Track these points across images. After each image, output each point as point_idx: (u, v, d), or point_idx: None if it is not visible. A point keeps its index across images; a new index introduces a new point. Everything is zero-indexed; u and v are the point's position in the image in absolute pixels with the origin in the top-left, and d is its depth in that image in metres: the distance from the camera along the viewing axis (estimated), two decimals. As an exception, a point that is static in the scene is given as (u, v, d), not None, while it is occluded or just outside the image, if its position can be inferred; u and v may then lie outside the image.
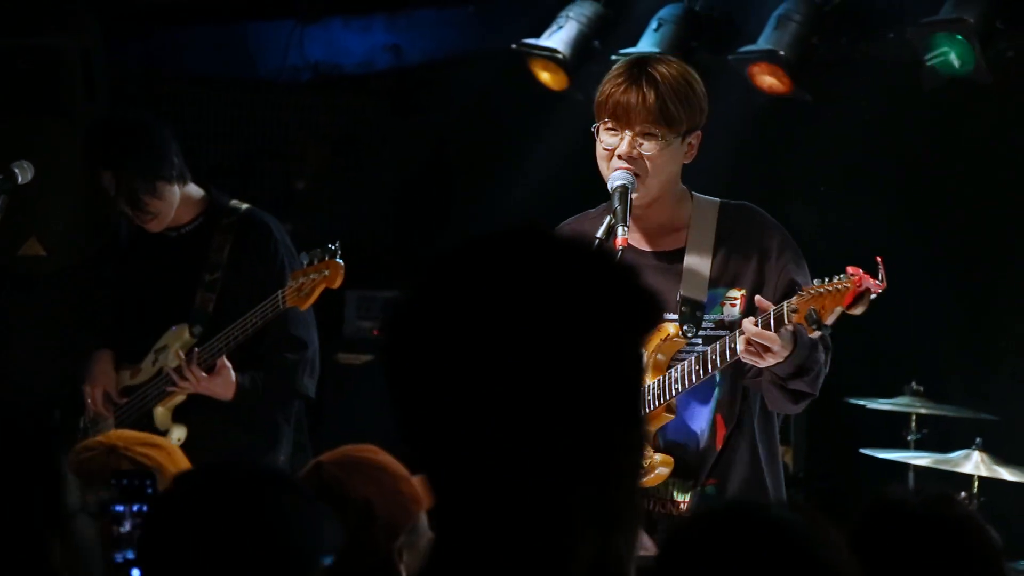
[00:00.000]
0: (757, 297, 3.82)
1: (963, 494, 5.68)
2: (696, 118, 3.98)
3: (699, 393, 4.01)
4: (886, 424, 6.37)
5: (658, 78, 3.92)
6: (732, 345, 3.81)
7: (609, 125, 3.94)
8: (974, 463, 5.56)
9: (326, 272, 4.97)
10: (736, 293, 3.98)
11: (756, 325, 3.74)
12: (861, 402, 6.24)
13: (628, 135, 3.91)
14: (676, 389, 3.92)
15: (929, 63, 6.16)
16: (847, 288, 3.70)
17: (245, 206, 5.37)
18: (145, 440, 3.52)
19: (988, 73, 6.10)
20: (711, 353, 3.87)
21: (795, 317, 3.71)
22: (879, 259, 3.74)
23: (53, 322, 6.60)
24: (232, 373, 5.12)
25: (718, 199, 4.10)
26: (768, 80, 6.56)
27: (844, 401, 6.32)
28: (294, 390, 5.29)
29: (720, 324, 3.97)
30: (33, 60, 6.86)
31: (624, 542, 1.73)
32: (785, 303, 3.74)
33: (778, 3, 6.58)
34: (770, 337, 3.72)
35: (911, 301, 6.80)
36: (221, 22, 7.95)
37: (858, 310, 3.74)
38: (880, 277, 3.74)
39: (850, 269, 3.72)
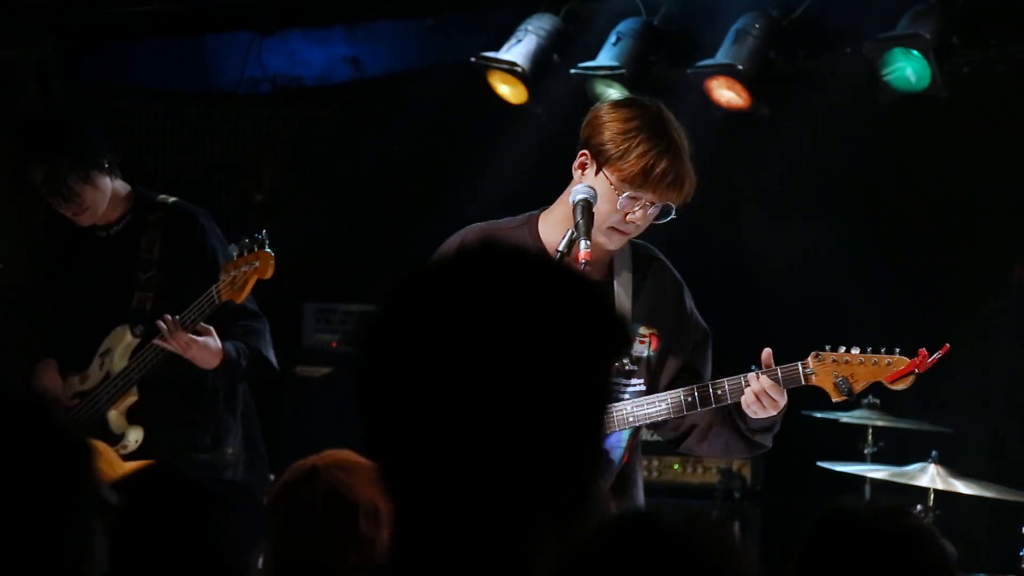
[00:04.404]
0: (767, 352, 3.95)
1: (919, 507, 5.71)
2: None
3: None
4: (843, 437, 6.39)
5: (686, 149, 3.99)
6: (743, 385, 3.94)
7: (634, 191, 3.92)
8: (930, 476, 5.58)
9: (256, 263, 4.92)
10: (646, 331, 4.08)
11: (758, 379, 3.91)
12: (818, 415, 6.26)
13: (649, 206, 3.94)
14: (634, 419, 4.02)
15: (885, 78, 6.20)
16: (888, 363, 3.93)
17: (172, 199, 5.34)
18: None
19: (943, 88, 6.14)
20: (715, 388, 3.99)
21: (813, 379, 3.93)
22: (947, 346, 3.95)
23: (7, 335, 6.55)
24: (217, 338, 5.02)
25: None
26: (726, 94, 6.58)
27: (801, 414, 6.34)
28: (267, 360, 5.21)
29: (635, 359, 4.05)
30: (-13, 73, 6.83)
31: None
32: (800, 365, 3.93)
33: (736, 17, 6.61)
34: (782, 394, 3.92)
35: (866, 314, 6.84)
36: (179, 34, 7.92)
37: (899, 387, 3.96)
38: (931, 361, 3.93)
39: (921, 352, 3.94)
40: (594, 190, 3.91)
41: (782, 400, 3.92)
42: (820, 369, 3.89)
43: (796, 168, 6.98)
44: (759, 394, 3.88)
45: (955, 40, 6.19)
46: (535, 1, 6.99)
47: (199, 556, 2.34)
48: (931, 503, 5.71)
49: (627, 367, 4.05)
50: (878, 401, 6.25)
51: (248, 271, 4.92)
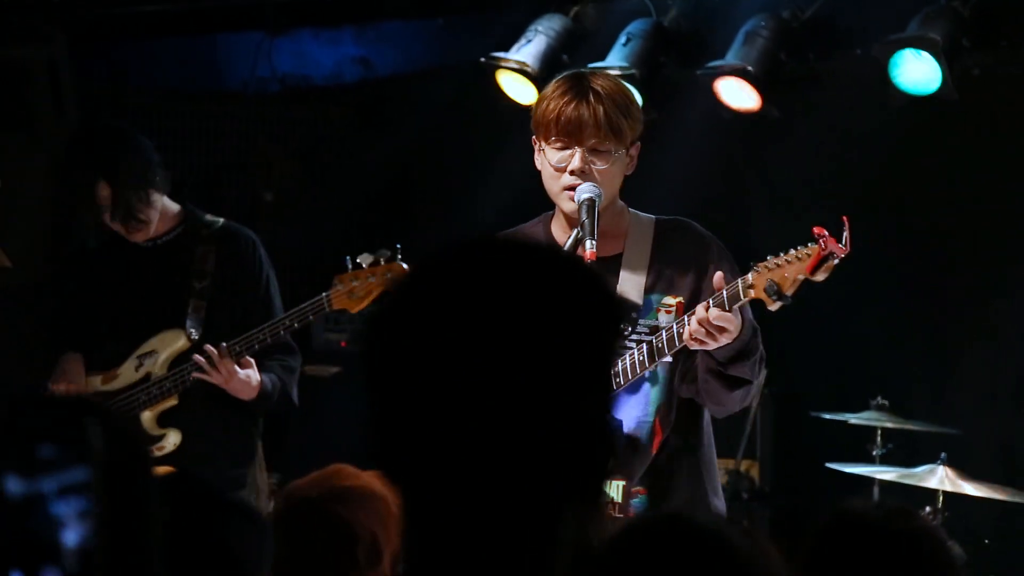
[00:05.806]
0: (718, 275, 3.82)
1: (928, 509, 5.70)
2: (637, 130, 4.04)
3: (634, 390, 4.03)
4: (852, 438, 6.39)
5: (602, 93, 3.97)
6: (680, 330, 3.84)
7: (559, 144, 3.96)
8: (939, 478, 5.58)
9: (389, 275, 4.97)
10: (672, 300, 4.02)
11: (707, 309, 3.76)
12: (827, 416, 6.26)
13: (579, 151, 3.94)
14: (618, 382, 3.95)
15: (895, 80, 6.19)
16: (808, 254, 3.70)
17: (221, 220, 5.39)
18: None
19: (954, 91, 6.13)
20: (656, 341, 3.90)
21: (752, 292, 3.75)
22: (845, 218, 3.70)
23: (17, 335, 6.56)
24: (257, 373, 5.09)
25: (654, 216, 4.14)
26: (736, 95, 6.58)
27: (810, 415, 6.34)
28: (290, 398, 5.30)
29: (654, 330, 3.98)
30: (-1, 74, 6.84)
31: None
32: (740, 280, 3.78)
33: (746, 19, 6.62)
34: (726, 317, 3.76)
35: (876, 315, 6.84)
36: (189, 34, 7.93)
37: (820, 277, 3.72)
38: (843, 241, 3.70)
39: (816, 230, 3.68)
40: (598, 188, 3.93)
41: (730, 324, 3.75)
42: (758, 280, 3.74)
43: (805, 170, 6.98)
44: (701, 322, 3.76)
45: (965, 42, 6.18)
46: (545, 1, 7.00)
47: (218, 566, 2.34)
48: (940, 505, 5.71)
49: (645, 336, 3.97)
50: (887, 403, 6.25)
51: (374, 282, 4.97)
